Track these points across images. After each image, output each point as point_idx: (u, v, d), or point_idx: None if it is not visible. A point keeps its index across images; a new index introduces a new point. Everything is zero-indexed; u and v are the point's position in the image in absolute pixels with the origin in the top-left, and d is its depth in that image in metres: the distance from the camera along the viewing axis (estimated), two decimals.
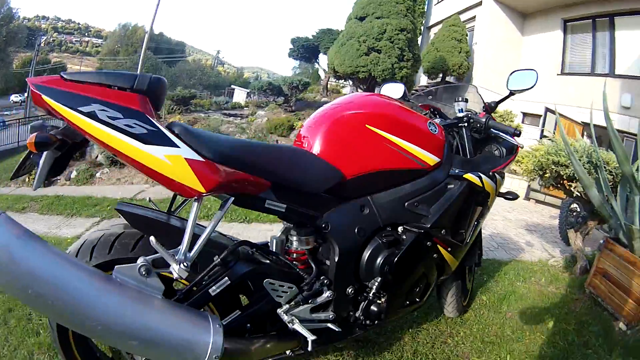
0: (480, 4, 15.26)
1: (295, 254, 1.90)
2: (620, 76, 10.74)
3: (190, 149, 1.39)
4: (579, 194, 5.12)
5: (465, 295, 3.46)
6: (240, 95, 32.56)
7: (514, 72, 2.64)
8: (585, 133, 11.01)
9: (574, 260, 5.07)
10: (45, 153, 1.42)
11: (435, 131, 2.20)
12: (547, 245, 6.36)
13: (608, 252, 4.12)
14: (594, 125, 4.74)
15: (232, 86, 42.36)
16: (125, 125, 1.29)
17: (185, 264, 1.40)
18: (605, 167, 4.70)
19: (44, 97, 1.26)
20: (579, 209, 6.54)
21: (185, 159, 1.35)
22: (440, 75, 15.31)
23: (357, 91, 13.71)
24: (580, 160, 4.62)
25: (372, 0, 10.95)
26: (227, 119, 12.50)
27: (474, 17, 15.96)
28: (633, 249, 3.95)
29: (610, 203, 4.39)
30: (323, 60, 20.92)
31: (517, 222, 7.88)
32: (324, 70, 19.85)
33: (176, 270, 1.38)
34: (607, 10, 11.60)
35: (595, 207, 4.69)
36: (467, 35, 15.62)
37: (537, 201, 10.68)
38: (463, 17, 16.19)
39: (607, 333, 3.52)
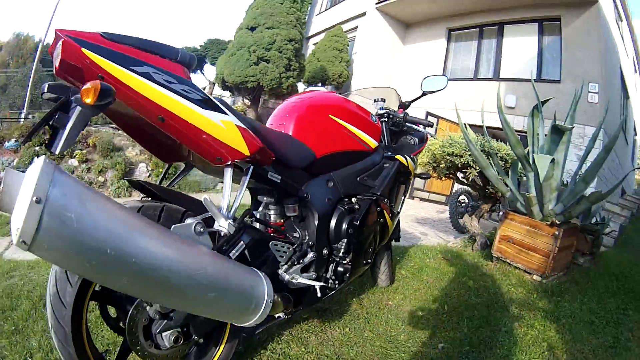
0: (364, 14, 16.13)
1: (275, 224, 2.20)
2: (504, 79, 12.18)
3: (236, 118, 1.60)
4: (474, 179, 5.85)
5: (393, 265, 3.95)
6: None
7: (427, 76, 3.31)
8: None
9: (473, 240, 5.85)
10: (78, 109, 1.29)
11: (376, 121, 2.77)
12: (440, 234, 7.20)
13: (509, 221, 4.93)
14: (479, 126, 5.55)
15: None
16: (182, 89, 1.39)
17: (231, 221, 1.57)
18: (497, 154, 5.48)
19: (85, 50, 1.23)
20: (467, 200, 7.52)
21: (236, 125, 1.56)
22: (319, 84, 15.90)
23: (243, 102, 13.95)
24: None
25: (264, 10, 11.25)
26: (117, 132, 12.03)
27: (357, 27, 16.78)
28: (532, 214, 4.77)
29: (504, 181, 5.17)
30: (208, 70, 20.89)
31: (407, 217, 8.58)
32: (209, 80, 19.83)
33: (226, 226, 1.54)
34: (495, 19, 13.19)
35: (488, 192, 5.69)
36: (348, 45, 16.38)
37: (421, 199, 11.69)
38: (345, 27, 16.95)
39: (523, 283, 4.28)
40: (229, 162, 1.57)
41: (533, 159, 4.68)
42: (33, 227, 0.90)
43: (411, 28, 15.86)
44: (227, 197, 1.58)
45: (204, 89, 15.84)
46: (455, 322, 3.12)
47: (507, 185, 5.24)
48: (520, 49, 12.35)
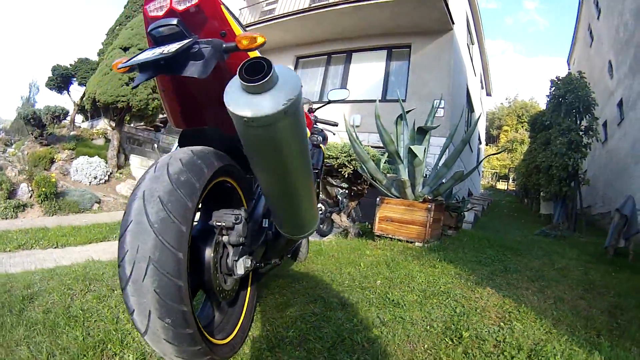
0: None
1: None
2: (350, 101, 13.40)
3: None
4: (350, 176, 6.87)
5: (308, 244, 4.67)
6: None
7: (332, 89, 4.05)
8: None
9: (346, 233, 6.92)
10: (218, 44, 1.64)
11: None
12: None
13: (386, 205, 6.11)
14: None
15: None
16: None
17: None
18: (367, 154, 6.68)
19: (223, 8, 1.71)
20: (323, 208, 8.38)
21: None
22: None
23: (110, 123, 13.62)
24: (349, 150, 6.47)
25: (139, 32, 11.37)
26: None
27: None
28: (406, 196, 5.95)
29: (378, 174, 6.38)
30: (74, 91, 19.62)
31: None
32: (74, 102, 18.74)
33: None
34: (343, 47, 14.44)
35: (355, 190, 6.99)
36: None
37: None
38: None
39: (410, 248, 5.42)
40: None
41: (407, 151, 5.95)
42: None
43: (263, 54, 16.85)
44: None
45: (68, 113, 15.03)
46: (374, 272, 4.01)
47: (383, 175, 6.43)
48: (367, 73, 13.82)
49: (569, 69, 21.48)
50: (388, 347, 2.27)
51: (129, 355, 2.01)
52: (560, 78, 11.99)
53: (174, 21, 1.59)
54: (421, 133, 6.35)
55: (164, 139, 14.32)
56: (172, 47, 1.53)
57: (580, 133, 11.02)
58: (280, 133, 1.35)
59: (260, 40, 1.63)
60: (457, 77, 12.90)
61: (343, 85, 13.70)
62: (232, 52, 1.69)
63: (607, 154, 13.94)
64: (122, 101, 10.41)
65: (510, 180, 35.56)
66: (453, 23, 11.90)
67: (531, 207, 19.49)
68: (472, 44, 17.84)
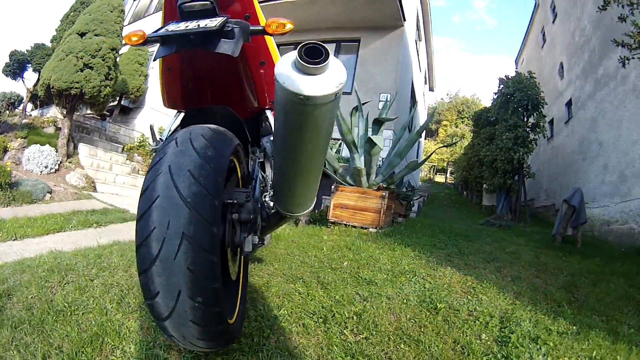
0: None
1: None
2: None
3: None
4: None
5: None
6: None
7: None
8: None
9: (297, 221, 6.98)
10: (245, 27, 1.71)
11: None
12: None
13: (340, 192, 6.30)
14: None
15: None
16: None
17: None
18: None
19: None
20: None
21: None
22: (118, 97, 15.73)
23: (61, 110, 13.13)
24: None
25: (96, 17, 10.95)
26: None
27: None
28: (361, 183, 6.15)
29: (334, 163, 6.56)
30: (27, 78, 18.50)
31: None
32: (27, 89, 17.73)
33: None
34: (291, 40, 14.23)
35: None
36: (148, 59, 16.59)
37: None
38: None
39: (365, 234, 5.63)
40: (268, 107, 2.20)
41: (365, 141, 6.15)
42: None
43: None
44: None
45: (22, 99, 14.27)
46: (339, 255, 4.16)
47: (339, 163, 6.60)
48: None
49: (517, 68, 22.69)
50: (375, 318, 2.42)
51: (129, 347, 1.96)
52: (510, 77, 12.69)
53: None
54: (377, 124, 6.59)
55: (110, 127, 13.96)
56: (212, 23, 1.58)
57: (527, 129, 11.72)
58: (325, 113, 1.43)
59: (289, 26, 1.70)
60: (404, 72, 13.35)
61: None
62: (256, 35, 1.77)
63: (553, 150, 14.95)
64: (76, 88, 10.02)
65: (448, 174, 36.93)
66: (404, 20, 12.26)
67: (471, 199, 20.50)
68: (420, 40, 18.41)
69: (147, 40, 1.73)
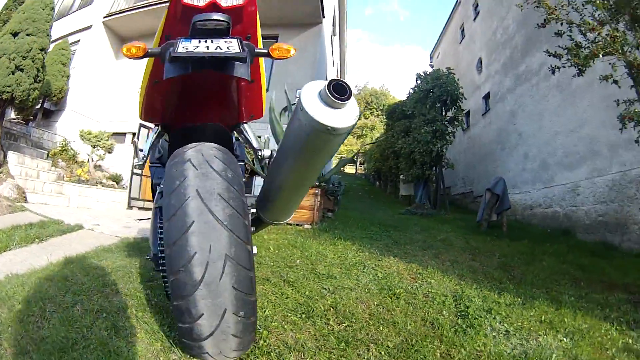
0: (89, 27, 15.54)
1: None
2: None
3: None
4: None
5: None
6: None
7: None
8: None
9: None
10: (250, 52, 1.75)
11: None
12: None
13: None
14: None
15: None
16: None
17: None
18: None
19: (258, 14, 1.85)
20: None
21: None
22: (41, 100, 14.82)
23: None
24: None
25: (30, 15, 10.19)
26: None
27: (79, 40, 16.04)
28: None
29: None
30: None
31: (145, 223, 7.28)
32: None
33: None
34: None
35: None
36: (70, 59, 15.71)
37: (140, 208, 12.28)
38: (71, 39, 15.99)
39: (303, 230, 5.97)
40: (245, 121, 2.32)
41: None
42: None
43: (125, 44, 16.01)
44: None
45: None
46: (288, 253, 4.40)
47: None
48: None
49: (431, 62, 23.77)
50: (350, 308, 2.70)
51: None
52: (428, 73, 13.37)
53: (225, 17, 1.69)
54: None
55: (35, 132, 13.09)
56: (232, 46, 1.67)
57: (445, 123, 12.39)
58: (339, 140, 1.64)
59: (292, 52, 1.82)
60: (320, 68, 13.66)
61: None
62: (258, 57, 1.90)
63: (469, 140, 16.02)
64: (7, 92, 9.39)
65: (358, 165, 37.96)
66: (324, 17, 12.61)
67: (385, 189, 21.37)
68: (335, 35, 18.87)
69: (147, 54, 1.75)
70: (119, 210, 10.68)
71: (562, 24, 4.09)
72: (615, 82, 3.92)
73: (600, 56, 3.72)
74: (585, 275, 4.44)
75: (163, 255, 1.91)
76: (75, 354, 1.95)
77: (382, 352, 2.09)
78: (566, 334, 2.58)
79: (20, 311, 2.51)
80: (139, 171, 11.14)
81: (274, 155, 2.14)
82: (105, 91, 15.17)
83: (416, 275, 3.69)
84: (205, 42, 1.66)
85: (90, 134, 11.97)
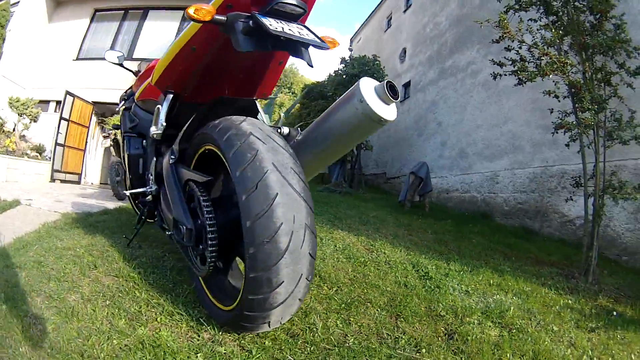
0: None
1: None
2: (137, 59, 12.94)
3: None
4: None
5: None
6: None
7: (107, 50, 4.02)
8: (94, 111, 13.23)
9: None
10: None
11: None
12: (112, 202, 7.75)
13: None
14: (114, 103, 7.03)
15: None
16: None
17: None
18: None
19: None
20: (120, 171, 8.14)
21: None
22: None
23: None
24: None
25: None
26: None
27: (18, 2, 14.78)
28: None
29: None
30: None
31: (74, 196, 7.83)
32: None
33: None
34: (141, 4, 13.82)
35: None
36: (8, 19, 14.39)
37: (62, 181, 11.97)
38: (13, 0, 14.74)
39: None
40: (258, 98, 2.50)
41: None
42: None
43: (61, 6, 14.93)
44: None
45: None
46: None
47: None
48: (161, 33, 13.38)
49: (351, 46, 24.17)
50: (331, 275, 3.00)
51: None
52: (354, 58, 13.97)
53: (303, 5, 1.78)
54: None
55: None
56: (307, 33, 1.77)
57: None
58: (376, 131, 2.03)
59: (337, 44, 2.06)
60: None
61: (133, 44, 13.41)
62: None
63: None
64: None
65: None
66: None
67: None
68: None
69: (213, 20, 1.73)
70: (43, 184, 10.38)
71: (513, 41, 4.67)
72: (557, 96, 4.62)
73: (549, 75, 4.37)
74: (513, 252, 5.20)
75: (201, 229, 1.93)
76: (103, 354, 1.68)
77: (379, 310, 2.45)
78: (514, 294, 3.21)
79: (11, 313, 2.03)
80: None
81: (299, 133, 2.28)
82: (34, 56, 14.18)
83: (369, 247, 4.17)
84: (286, 24, 1.73)
85: (18, 101, 11.35)
